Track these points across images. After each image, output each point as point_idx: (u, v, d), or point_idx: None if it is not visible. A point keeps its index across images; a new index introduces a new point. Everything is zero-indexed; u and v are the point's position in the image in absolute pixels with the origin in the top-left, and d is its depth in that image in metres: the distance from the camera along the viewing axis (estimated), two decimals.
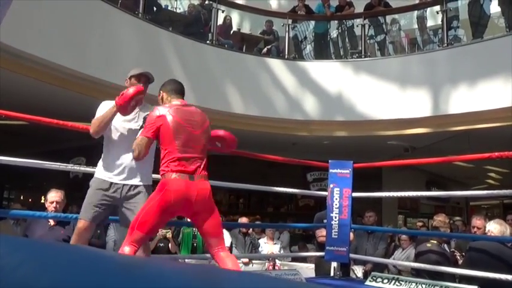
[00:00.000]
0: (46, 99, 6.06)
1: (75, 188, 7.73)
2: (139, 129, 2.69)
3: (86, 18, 5.72)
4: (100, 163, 2.82)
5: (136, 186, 2.76)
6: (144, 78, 2.84)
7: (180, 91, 2.80)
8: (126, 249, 2.49)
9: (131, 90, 2.64)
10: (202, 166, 2.62)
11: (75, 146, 7.56)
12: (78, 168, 3.87)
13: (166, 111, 2.59)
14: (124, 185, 2.74)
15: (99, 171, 2.80)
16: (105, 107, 2.79)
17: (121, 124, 2.79)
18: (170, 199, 2.49)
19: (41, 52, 5.13)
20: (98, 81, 5.74)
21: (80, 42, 5.57)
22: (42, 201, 4.88)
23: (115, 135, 2.81)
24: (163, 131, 2.57)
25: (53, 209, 3.75)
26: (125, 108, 2.65)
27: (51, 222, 3.87)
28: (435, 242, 4.26)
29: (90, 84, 5.78)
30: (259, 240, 6.33)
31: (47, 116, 2.95)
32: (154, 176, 2.84)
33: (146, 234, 2.56)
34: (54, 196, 3.79)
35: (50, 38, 5.25)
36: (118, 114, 2.72)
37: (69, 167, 3.22)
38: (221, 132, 2.95)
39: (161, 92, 2.80)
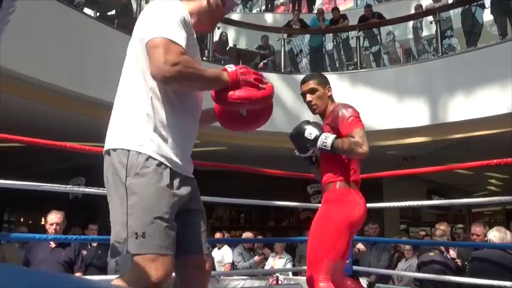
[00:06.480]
0: (43, 120, 6.06)
1: (75, 209, 7.72)
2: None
3: (83, 38, 5.76)
4: (157, 134, 1.52)
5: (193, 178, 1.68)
6: None
7: None
8: None
9: (262, 93, 1.65)
10: None
11: (74, 166, 7.55)
12: (77, 189, 3.88)
13: None
14: (191, 178, 1.65)
15: (162, 149, 1.51)
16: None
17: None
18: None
19: (38, 73, 5.15)
20: (95, 101, 5.75)
21: (77, 63, 5.60)
22: (43, 223, 4.87)
23: (194, 101, 1.68)
24: None
25: (53, 230, 3.75)
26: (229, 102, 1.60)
27: (52, 244, 3.86)
28: (438, 251, 4.25)
29: (88, 104, 5.79)
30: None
31: (45, 137, 2.95)
32: None
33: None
34: (54, 218, 3.79)
35: (46, 58, 5.27)
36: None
37: (68, 188, 3.19)
38: None
39: (328, 87, 2.45)
